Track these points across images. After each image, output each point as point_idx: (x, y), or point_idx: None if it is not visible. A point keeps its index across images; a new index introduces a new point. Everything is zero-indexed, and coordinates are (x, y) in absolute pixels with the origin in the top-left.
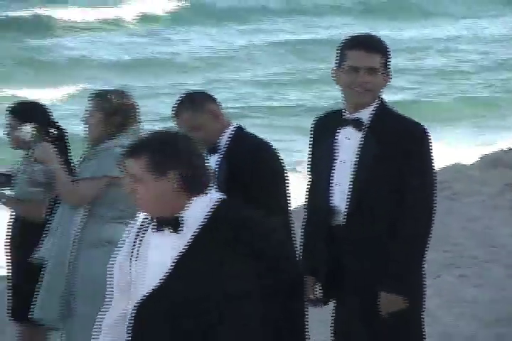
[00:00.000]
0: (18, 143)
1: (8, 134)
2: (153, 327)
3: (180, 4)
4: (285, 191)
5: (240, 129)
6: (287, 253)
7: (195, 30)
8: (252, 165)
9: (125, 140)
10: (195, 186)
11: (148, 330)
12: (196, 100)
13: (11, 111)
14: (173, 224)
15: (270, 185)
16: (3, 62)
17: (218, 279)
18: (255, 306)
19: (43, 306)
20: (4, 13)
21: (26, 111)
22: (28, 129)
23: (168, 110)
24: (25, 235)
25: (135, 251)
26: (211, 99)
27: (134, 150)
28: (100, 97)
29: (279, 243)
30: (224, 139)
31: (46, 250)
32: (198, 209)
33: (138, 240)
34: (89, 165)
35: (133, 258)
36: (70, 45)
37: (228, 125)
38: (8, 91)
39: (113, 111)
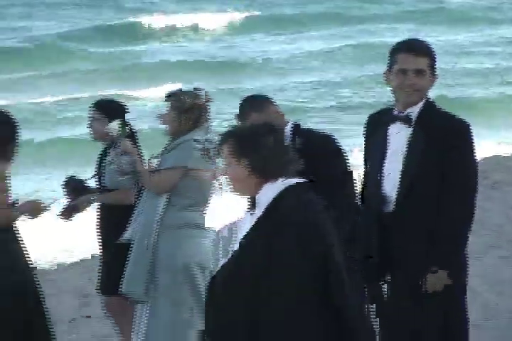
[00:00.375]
0: (100, 136)
1: (90, 126)
2: (223, 292)
3: (250, 14)
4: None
5: (297, 126)
6: (329, 241)
7: (266, 36)
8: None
9: (198, 135)
10: (267, 173)
11: (219, 296)
12: (259, 102)
13: (96, 106)
14: (252, 205)
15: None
16: (108, 66)
17: (266, 265)
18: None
19: (130, 282)
20: (102, 22)
21: (113, 108)
22: (115, 125)
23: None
24: (114, 217)
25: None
26: (271, 101)
27: (224, 137)
28: (174, 97)
29: (324, 229)
30: (287, 135)
31: (132, 231)
32: (269, 193)
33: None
34: (167, 157)
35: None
36: (159, 50)
37: (286, 123)
38: (116, 92)
39: (185, 110)
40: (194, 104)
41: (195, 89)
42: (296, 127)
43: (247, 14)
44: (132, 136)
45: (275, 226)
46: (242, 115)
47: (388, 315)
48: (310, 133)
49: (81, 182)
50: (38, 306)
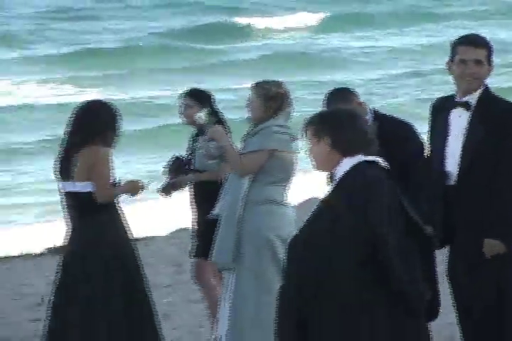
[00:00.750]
0: (191, 122)
1: (183, 112)
2: (302, 247)
3: (324, 15)
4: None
5: (375, 111)
6: (385, 220)
7: (344, 35)
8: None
9: (280, 120)
10: (345, 150)
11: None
12: (345, 94)
13: (189, 94)
14: (331, 179)
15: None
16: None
17: (330, 229)
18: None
19: (219, 251)
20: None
21: (203, 96)
22: (202, 115)
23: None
24: (205, 195)
25: None
26: (353, 92)
27: (310, 119)
28: (260, 86)
29: (380, 203)
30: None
31: (221, 207)
32: (345, 168)
33: None
34: (252, 141)
35: None
36: (251, 48)
37: (368, 112)
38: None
39: (269, 97)
40: (277, 93)
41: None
42: (375, 112)
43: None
44: (222, 122)
45: (341, 196)
46: (328, 106)
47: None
48: (385, 118)
49: (186, 162)
50: (137, 272)
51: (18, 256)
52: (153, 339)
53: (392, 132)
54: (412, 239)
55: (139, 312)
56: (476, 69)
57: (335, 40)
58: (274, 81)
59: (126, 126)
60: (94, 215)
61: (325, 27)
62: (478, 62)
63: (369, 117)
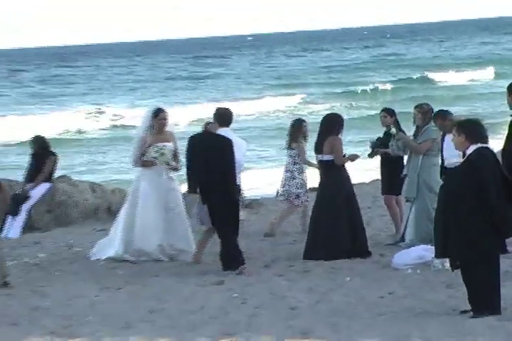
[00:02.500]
0: (387, 125)
1: (382, 120)
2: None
3: None
4: None
5: None
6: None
7: None
8: None
9: (430, 125)
10: (472, 140)
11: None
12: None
13: (385, 110)
14: (463, 156)
15: None
16: None
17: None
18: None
19: (406, 189)
20: None
21: (393, 112)
22: (393, 126)
23: None
24: (391, 166)
25: None
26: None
27: (455, 124)
28: (419, 106)
29: (487, 169)
30: None
31: (407, 169)
32: (471, 149)
33: None
34: (422, 136)
35: None
36: None
37: None
38: None
39: (425, 112)
40: (428, 110)
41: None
42: None
43: None
44: (401, 129)
45: (467, 165)
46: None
47: None
48: None
49: (382, 142)
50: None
51: None
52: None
53: None
54: (507, 192)
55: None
56: None
57: None
58: (424, 103)
59: None
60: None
61: None
62: None
63: None
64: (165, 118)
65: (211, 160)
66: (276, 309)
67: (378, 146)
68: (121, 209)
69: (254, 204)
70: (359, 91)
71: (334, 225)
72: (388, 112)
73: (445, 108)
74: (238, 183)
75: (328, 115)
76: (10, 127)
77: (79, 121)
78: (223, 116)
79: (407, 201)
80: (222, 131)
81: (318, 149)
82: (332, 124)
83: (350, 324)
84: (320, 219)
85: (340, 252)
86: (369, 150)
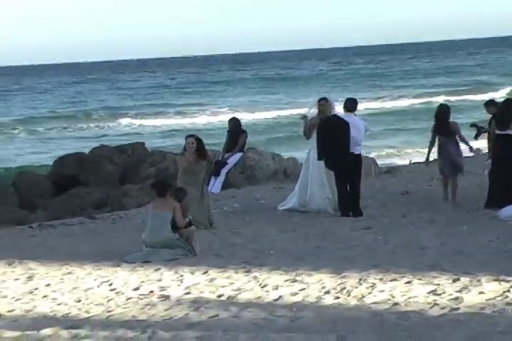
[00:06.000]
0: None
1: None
2: None
3: None
4: None
5: None
6: None
7: None
8: None
9: None
10: None
11: None
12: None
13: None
14: None
15: None
16: None
17: None
18: None
19: None
20: None
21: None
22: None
23: None
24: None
25: None
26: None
27: None
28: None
29: None
30: None
31: None
32: None
33: None
34: None
35: None
36: None
37: None
38: None
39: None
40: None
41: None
42: None
43: None
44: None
45: None
46: None
47: None
48: None
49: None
50: None
51: None
52: None
53: None
54: None
55: None
56: None
57: None
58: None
59: None
60: None
61: None
62: None
63: None
64: (324, 105)
65: (333, 135)
66: (410, 248)
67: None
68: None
69: (392, 170)
70: None
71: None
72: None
73: None
74: (358, 153)
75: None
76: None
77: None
78: (349, 104)
79: None
80: (347, 116)
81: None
82: None
83: (468, 260)
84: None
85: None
86: None
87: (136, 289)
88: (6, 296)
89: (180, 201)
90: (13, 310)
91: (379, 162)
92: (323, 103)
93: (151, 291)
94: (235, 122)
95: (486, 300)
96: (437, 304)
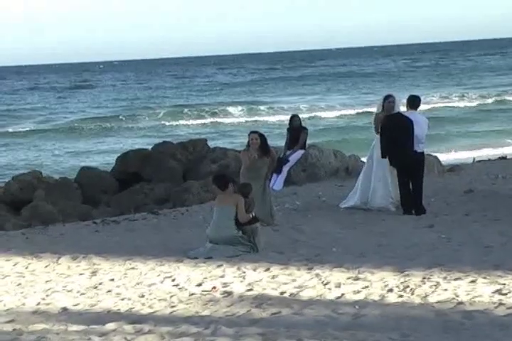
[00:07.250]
0: None
1: None
2: None
3: None
4: None
5: None
6: None
7: None
8: None
9: None
10: None
11: None
12: None
13: None
14: None
15: None
16: None
17: None
18: None
19: None
20: None
21: None
22: None
23: None
24: None
25: None
26: None
27: None
28: None
29: None
30: None
31: None
32: None
33: None
34: None
35: None
36: None
37: None
38: None
39: None
40: None
41: None
42: None
43: None
44: None
45: None
46: None
47: None
48: None
49: None
50: None
51: None
52: None
53: None
54: None
55: None
56: None
57: None
58: None
59: None
60: None
61: None
62: None
63: None
64: (393, 102)
65: (397, 133)
66: (473, 247)
67: None
68: (362, 170)
69: (456, 168)
70: None
71: None
72: None
73: None
74: (421, 150)
75: None
76: None
77: None
78: (413, 101)
79: None
80: (410, 113)
81: None
82: None
83: None
84: None
85: None
86: None
87: (199, 285)
88: (71, 290)
89: (247, 196)
90: (78, 304)
91: (442, 160)
92: (392, 100)
93: (214, 287)
94: (296, 119)
95: None
96: (503, 304)
